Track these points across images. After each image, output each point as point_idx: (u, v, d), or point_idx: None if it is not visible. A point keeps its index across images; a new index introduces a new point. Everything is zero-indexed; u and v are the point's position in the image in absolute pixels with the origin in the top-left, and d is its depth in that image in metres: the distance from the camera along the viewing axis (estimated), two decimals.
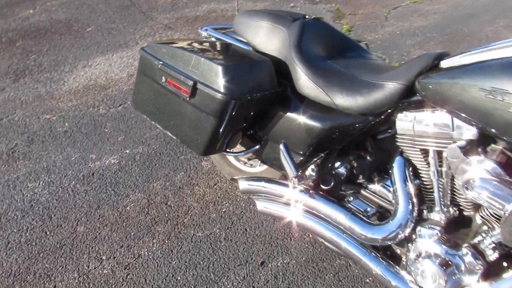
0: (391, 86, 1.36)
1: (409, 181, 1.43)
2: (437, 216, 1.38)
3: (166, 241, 1.99)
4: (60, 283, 1.79)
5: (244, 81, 1.53)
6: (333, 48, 1.72)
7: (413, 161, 1.42)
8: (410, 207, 1.41)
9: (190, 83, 1.57)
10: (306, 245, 1.96)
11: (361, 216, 1.49)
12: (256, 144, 1.80)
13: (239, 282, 1.80)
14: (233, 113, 1.55)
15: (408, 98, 1.37)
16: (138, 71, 1.87)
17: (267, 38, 1.71)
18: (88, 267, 1.87)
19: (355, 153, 1.65)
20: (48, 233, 2.03)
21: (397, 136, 1.42)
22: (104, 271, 1.84)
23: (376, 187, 1.58)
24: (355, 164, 1.64)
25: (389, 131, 1.51)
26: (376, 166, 1.62)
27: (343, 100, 1.45)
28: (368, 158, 1.61)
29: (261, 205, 1.73)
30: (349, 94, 1.44)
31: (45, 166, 2.45)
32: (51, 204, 2.19)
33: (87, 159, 2.51)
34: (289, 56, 1.59)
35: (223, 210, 2.16)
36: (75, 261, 1.89)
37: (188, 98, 1.60)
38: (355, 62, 1.62)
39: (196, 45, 1.79)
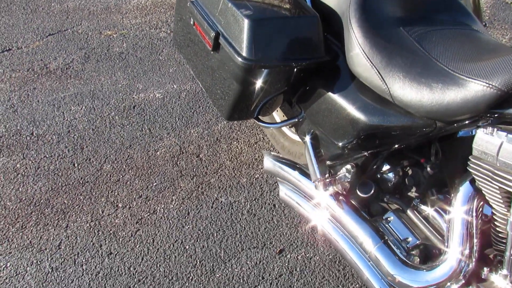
0: (478, 88, 0.90)
1: (474, 220, 1.02)
2: (502, 282, 0.97)
3: (186, 201, 1.81)
4: (72, 224, 1.73)
5: (276, 43, 1.15)
6: (417, 7, 1.22)
7: (486, 197, 0.99)
8: (466, 257, 1.01)
9: (212, 34, 1.23)
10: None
11: (396, 248, 1.12)
12: (294, 116, 1.44)
13: (249, 268, 1.59)
14: (262, 81, 1.21)
15: (502, 109, 0.91)
16: (176, 4, 1.56)
17: None
18: (103, 212, 1.77)
19: (412, 158, 1.23)
20: (76, 165, 1.96)
21: (471, 159, 0.98)
22: (116, 221, 1.74)
23: (429, 210, 1.18)
24: (409, 173, 1.24)
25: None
26: (437, 181, 1.20)
27: (402, 93, 1.02)
28: (429, 168, 1.18)
29: (284, 192, 1.43)
30: (413, 86, 1.00)
31: (91, 90, 2.34)
32: (87, 134, 2.10)
33: (133, 88, 2.35)
34: (346, 13, 1.15)
35: (256, 176, 1.90)
36: (92, 203, 1.81)
37: (211, 51, 1.28)
38: (441, 33, 1.13)
39: None
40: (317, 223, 1.29)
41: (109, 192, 1.85)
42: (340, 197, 1.24)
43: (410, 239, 1.15)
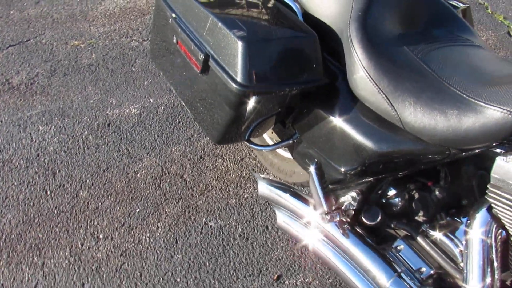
0: (499, 115, 0.84)
1: (493, 251, 0.96)
2: None
3: (173, 228, 1.69)
4: (49, 261, 1.58)
5: (274, 67, 1.05)
6: (415, 22, 1.16)
7: (507, 225, 0.94)
8: None
9: (201, 56, 1.12)
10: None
11: (410, 279, 1.06)
12: (288, 138, 1.36)
13: None
14: (256, 105, 1.11)
15: None
16: (153, 18, 1.44)
17: None
18: (82, 245, 1.63)
19: (418, 181, 1.17)
20: (48, 193, 1.80)
21: (489, 187, 0.92)
22: (98, 254, 1.60)
23: (439, 235, 1.12)
24: (415, 196, 1.17)
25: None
26: (445, 204, 1.14)
27: (414, 120, 0.95)
28: (437, 192, 1.13)
29: (282, 219, 1.34)
30: (426, 112, 0.93)
31: (61, 107, 2.17)
32: (58, 157, 1.94)
33: (106, 104, 2.19)
34: (346, 33, 1.07)
35: (245, 196, 1.80)
36: (70, 235, 1.66)
37: (199, 74, 1.17)
38: (445, 51, 1.07)
39: None
40: (321, 253, 1.21)
41: (88, 222, 1.71)
42: (346, 226, 1.16)
43: (423, 269, 1.09)
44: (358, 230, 1.18)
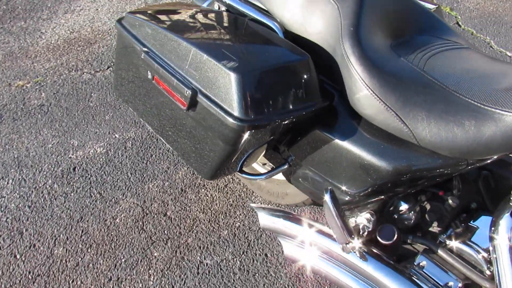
0: None
1: None
2: None
3: (166, 273, 1.56)
4: None
5: (271, 97, 0.98)
6: (403, 29, 1.13)
7: None
8: None
9: (188, 92, 1.02)
10: None
11: None
12: (283, 163, 1.28)
13: None
14: (252, 137, 1.03)
15: None
16: (117, 50, 1.32)
17: (303, 12, 1.12)
18: None
19: (429, 191, 1.14)
20: (18, 256, 1.61)
21: None
22: None
23: (457, 244, 1.10)
24: (428, 207, 1.14)
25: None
26: (460, 212, 1.12)
27: (430, 135, 0.91)
28: (450, 200, 1.10)
29: (290, 250, 1.27)
30: (441, 126, 0.89)
31: (15, 157, 1.97)
32: (23, 214, 1.75)
33: (67, 146, 2.02)
34: (340, 50, 1.01)
35: (237, 224, 1.71)
36: None
37: (185, 110, 1.07)
38: (441, 57, 1.04)
39: (195, 21, 1.21)
40: (341, 282, 1.14)
41: (70, 282, 1.54)
42: (362, 249, 1.10)
43: (451, 283, 1.05)
44: (375, 251, 1.12)
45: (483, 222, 1.10)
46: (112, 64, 2.49)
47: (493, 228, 0.98)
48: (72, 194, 1.82)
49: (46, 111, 2.20)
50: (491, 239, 0.99)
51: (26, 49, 2.64)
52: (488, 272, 1.04)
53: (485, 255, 1.05)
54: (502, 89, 0.87)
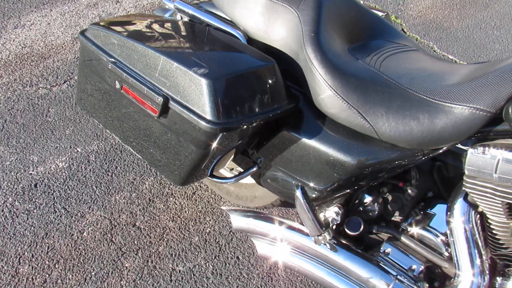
0: (467, 113, 0.91)
1: (476, 235, 1.04)
2: None
3: (138, 282, 1.56)
4: None
5: (241, 100, 1.03)
6: (358, 34, 1.22)
7: (486, 213, 1.02)
8: (479, 271, 1.03)
9: (159, 99, 1.05)
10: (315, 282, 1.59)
11: (405, 280, 1.10)
12: (252, 165, 1.33)
13: None
14: (223, 141, 1.07)
15: (491, 127, 0.93)
16: (80, 62, 1.32)
17: (265, 21, 1.18)
18: None
19: (389, 183, 1.23)
20: None
21: (466, 179, 0.99)
22: None
23: (418, 230, 1.19)
24: (389, 198, 1.23)
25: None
26: (418, 200, 1.21)
27: (389, 129, 0.99)
28: (409, 190, 1.19)
29: (263, 249, 1.31)
30: (399, 120, 0.98)
31: None
32: None
33: (26, 163, 1.96)
34: (303, 55, 1.08)
35: (207, 230, 1.73)
36: None
37: (156, 118, 1.10)
38: (395, 58, 1.14)
39: (160, 30, 1.24)
40: (313, 275, 1.20)
41: None
42: (332, 241, 1.17)
43: (414, 266, 1.14)
44: (344, 242, 1.19)
45: (439, 209, 1.20)
46: (68, 78, 2.45)
47: (448, 213, 1.07)
48: (35, 210, 1.77)
49: (1, 128, 2.13)
50: (448, 223, 1.08)
51: None
52: (446, 254, 1.14)
53: (443, 238, 1.14)
54: (450, 85, 0.97)
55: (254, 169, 1.32)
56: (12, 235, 1.68)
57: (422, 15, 3.07)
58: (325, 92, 1.04)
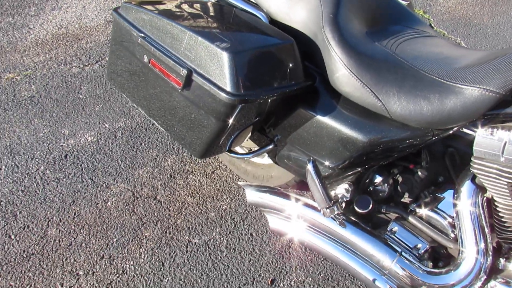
0: (476, 93, 0.94)
1: (482, 217, 1.06)
2: None
3: (156, 251, 1.64)
4: None
5: (259, 75, 1.09)
6: (378, 19, 1.26)
7: (492, 194, 1.04)
8: (482, 252, 1.05)
9: (183, 71, 1.12)
10: (323, 258, 1.64)
11: (410, 257, 1.14)
12: (269, 143, 1.39)
13: None
14: (241, 114, 1.13)
15: (498, 110, 0.96)
16: (112, 39, 1.40)
17: (288, 3, 1.23)
18: (62, 286, 1.53)
19: (400, 164, 1.26)
20: (13, 237, 1.67)
21: (473, 159, 1.02)
22: None
23: (426, 211, 1.22)
24: (400, 180, 1.26)
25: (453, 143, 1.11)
26: (428, 183, 1.24)
27: (400, 108, 1.03)
28: (419, 173, 1.22)
29: (275, 223, 1.37)
30: (410, 100, 1.02)
31: (8, 145, 2.02)
32: (16, 197, 1.80)
33: (58, 135, 2.08)
34: (321, 35, 1.13)
35: (223, 207, 1.80)
36: (46, 278, 1.55)
37: (180, 90, 1.17)
38: (412, 43, 1.17)
39: (188, 9, 1.31)
40: (321, 249, 1.25)
41: (63, 260, 1.61)
42: (341, 217, 1.21)
43: (419, 245, 1.17)
44: (352, 219, 1.23)
45: (448, 193, 1.22)
46: (100, 59, 2.56)
47: (455, 195, 1.10)
48: (64, 179, 1.88)
49: (37, 102, 2.26)
50: (455, 205, 1.11)
51: (14, 43, 2.68)
52: (452, 235, 1.16)
53: (450, 220, 1.17)
54: (462, 67, 1.00)
55: (270, 146, 1.37)
56: (43, 200, 1.80)
57: (451, 11, 3.04)
58: (341, 70, 1.08)
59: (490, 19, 2.98)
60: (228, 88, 1.05)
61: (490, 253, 1.06)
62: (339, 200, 1.22)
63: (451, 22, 2.93)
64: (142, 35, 1.24)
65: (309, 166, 1.11)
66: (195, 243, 1.67)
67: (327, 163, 1.20)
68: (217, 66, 1.07)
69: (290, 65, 1.13)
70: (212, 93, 1.08)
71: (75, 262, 1.60)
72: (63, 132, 2.10)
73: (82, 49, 2.63)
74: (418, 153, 1.22)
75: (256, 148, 1.48)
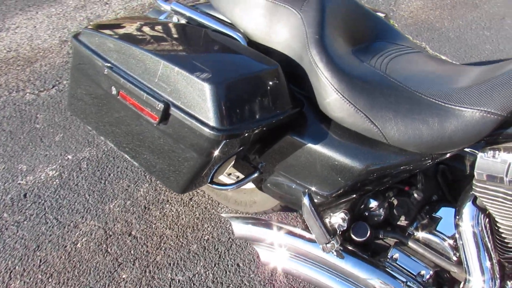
0: (478, 116, 0.89)
1: (486, 240, 1.02)
2: None
3: None
4: None
5: (245, 105, 0.99)
6: (360, 36, 1.20)
7: (495, 217, 1.00)
8: (489, 276, 1.01)
9: (159, 105, 1.01)
10: None
11: (415, 286, 1.08)
12: (253, 171, 1.30)
13: None
14: (224, 149, 1.04)
15: (501, 130, 0.92)
16: (73, 67, 1.27)
17: (268, 23, 1.15)
18: None
19: (395, 187, 1.21)
20: None
21: (475, 183, 0.97)
22: None
23: (424, 234, 1.16)
24: (395, 202, 1.20)
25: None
26: (424, 204, 1.19)
27: (398, 133, 0.97)
28: (415, 194, 1.17)
29: (266, 256, 1.28)
30: (408, 124, 0.96)
31: None
32: None
33: (15, 172, 1.89)
34: (307, 57, 1.05)
35: (205, 237, 1.69)
36: None
37: (156, 125, 1.06)
38: (400, 60, 1.12)
39: (157, 33, 1.20)
40: (321, 283, 1.17)
41: None
42: (338, 247, 1.14)
43: (423, 271, 1.11)
44: (350, 248, 1.16)
45: (445, 212, 1.18)
46: (57, 83, 2.38)
47: (457, 217, 1.05)
48: (25, 222, 1.71)
49: None
50: (457, 226, 1.06)
51: None
52: (454, 258, 1.12)
53: (451, 242, 1.12)
54: (459, 88, 0.95)
55: (255, 174, 1.28)
56: (2, 249, 1.62)
57: (413, 16, 3.07)
58: (332, 95, 1.01)
59: (450, 22, 3.04)
60: (212, 122, 0.95)
61: (497, 276, 1.01)
62: (337, 231, 1.14)
63: (415, 27, 2.96)
64: (109, 64, 1.12)
65: (305, 200, 1.03)
66: (179, 280, 1.55)
67: (319, 191, 1.12)
68: (198, 99, 0.97)
69: (276, 92, 1.05)
70: (194, 128, 0.98)
71: None
72: (20, 168, 1.91)
73: (36, 73, 2.44)
74: (413, 174, 1.17)
75: (239, 177, 1.39)
